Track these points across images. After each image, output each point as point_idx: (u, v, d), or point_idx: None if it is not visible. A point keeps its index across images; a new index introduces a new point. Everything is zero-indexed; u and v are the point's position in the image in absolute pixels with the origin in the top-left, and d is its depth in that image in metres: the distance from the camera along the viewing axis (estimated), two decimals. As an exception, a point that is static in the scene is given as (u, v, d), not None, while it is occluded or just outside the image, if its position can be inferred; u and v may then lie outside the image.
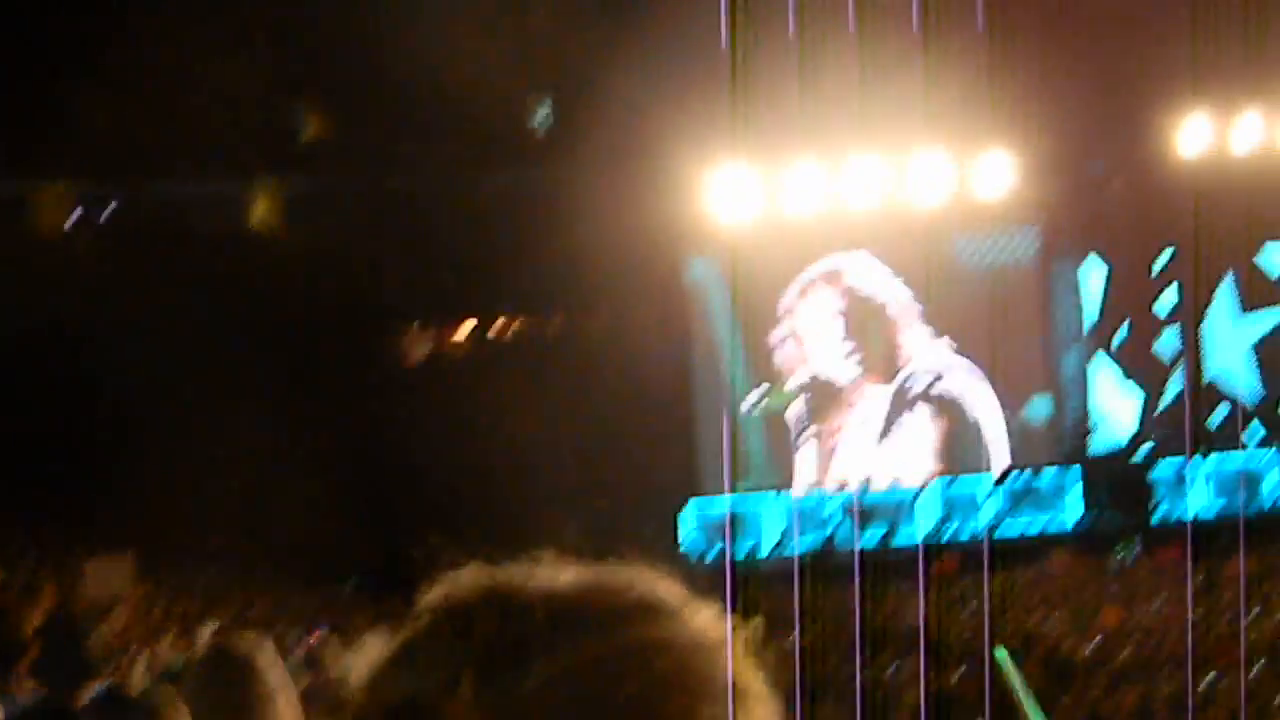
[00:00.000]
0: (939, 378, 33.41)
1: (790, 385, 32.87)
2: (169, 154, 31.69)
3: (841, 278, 33.34)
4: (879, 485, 32.96)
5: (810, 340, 33.15)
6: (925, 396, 33.39)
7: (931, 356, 33.41)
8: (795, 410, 32.92)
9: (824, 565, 29.40)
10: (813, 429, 32.97)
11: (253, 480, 27.59)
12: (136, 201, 33.15)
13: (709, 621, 1.73)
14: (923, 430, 33.41)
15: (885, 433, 33.25)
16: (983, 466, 33.47)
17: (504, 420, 30.28)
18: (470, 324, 35.52)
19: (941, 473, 33.30)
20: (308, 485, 26.87)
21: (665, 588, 1.74)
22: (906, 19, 28.00)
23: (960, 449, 33.55)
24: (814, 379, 32.95)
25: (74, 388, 29.51)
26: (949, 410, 33.55)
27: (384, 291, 32.18)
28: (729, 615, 1.76)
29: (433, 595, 1.73)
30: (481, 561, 1.76)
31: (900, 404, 33.24)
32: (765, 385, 32.80)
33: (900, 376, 33.31)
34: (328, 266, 31.04)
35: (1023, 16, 29.10)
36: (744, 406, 32.62)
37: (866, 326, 33.38)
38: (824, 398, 33.00)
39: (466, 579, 1.73)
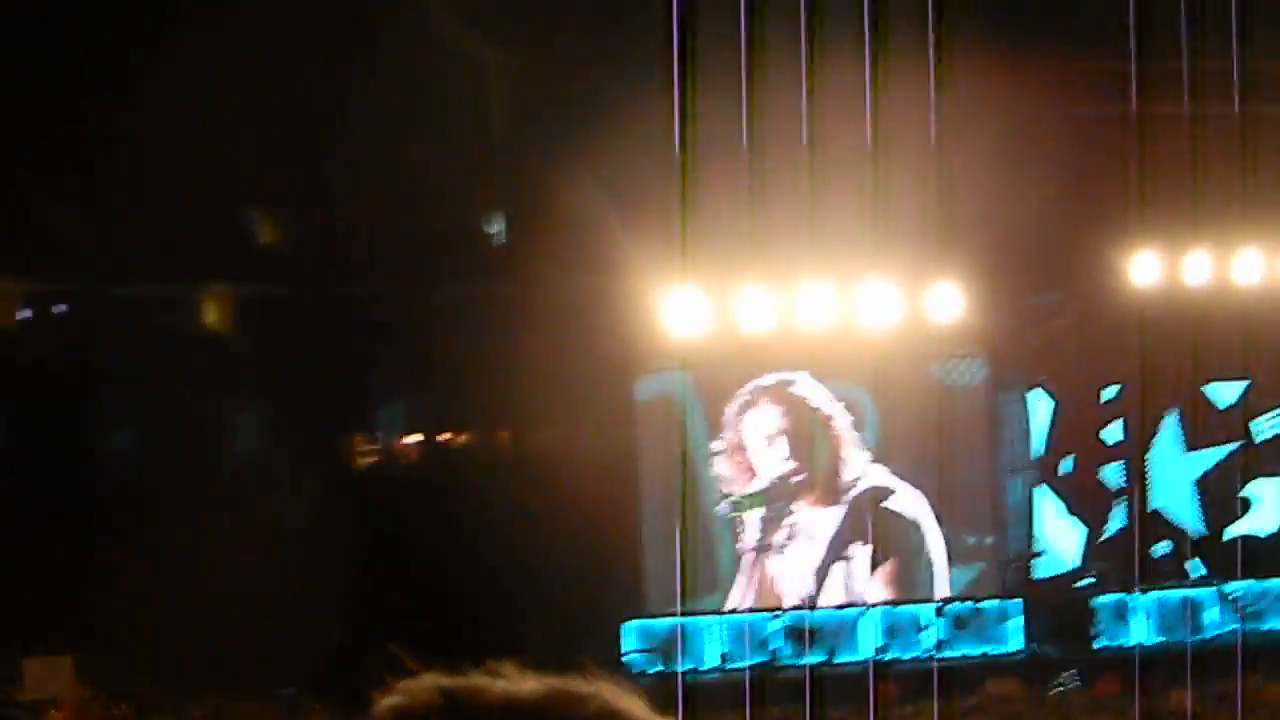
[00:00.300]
0: (886, 498, 33.38)
1: (753, 488, 32.80)
2: (119, 257, 31.61)
3: (787, 393, 33.33)
4: (820, 606, 32.87)
5: (754, 454, 33.10)
6: (871, 518, 33.32)
7: (877, 478, 33.41)
8: (746, 523, 32.81)
9: (766, 686, 29.32)
10: (755, 545, 32.85)
11: (196, 585, 27.39)
12: (84, 303, 33.03)
13: None
14: (867, 551, 33.34)
15: (829, 552, 33.17)
16: (926, 591, 33.44)
17: (448, 534, 30.15)
18: (419, 435, 35.43)
19: (885, 596, 33.24)
20: (251, 591, 26.69)
21: (627, 701, 1.73)
22: (857, 146, 28.18)
23: (905, 573, 33.52)
24: (759, 493, 32.88)
25: (15, 486, 29.30)
26: (894, 533, 33.52)
27: (335, 399, 32.09)
28: None
29: (387, 704, 1.71)
30: (438, 671, 1.74)
31: (844, 524, 33.16)
32: (732, 494, 32.72)
33: (846, 496, 33.24)
34: (276, 373, 30.97)
35: (974, 144, 29.32)
36: (720, 508, 32.53)
37: (811, 443, 33.36)
38: (767, 513, 32.90)
39: (421, 688, 1.71)
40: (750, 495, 32.73)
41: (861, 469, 33.50)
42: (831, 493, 33.33)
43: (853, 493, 33.34)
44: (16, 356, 32.05)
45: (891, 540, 33.48)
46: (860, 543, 33.29)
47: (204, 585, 27.30)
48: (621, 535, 32.16)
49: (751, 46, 26.28)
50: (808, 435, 33.37)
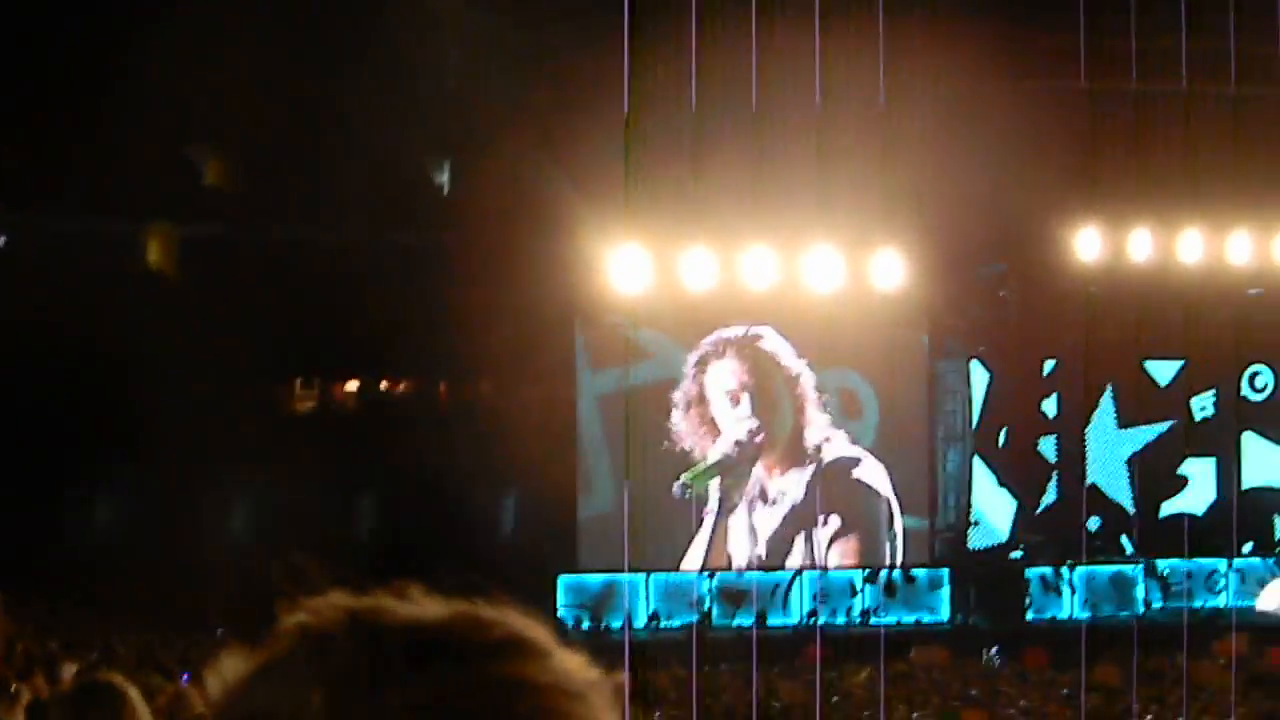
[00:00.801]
0: (854, 468, 33.30)
1: (710, 459, 32.34)
2: (62, 190, 31.47)
3: (755, 347, 33.01)
4: (758, 566, 32.92)
5: (716, 410, 32.78)
6: (838, 488, 33.24)
7: (844, 447, 33.24)
8: (708, 486, 32.50)
9: (696, 644, 29.41)
10: (714, 511, 32.60)
11: (124, 522, 27.35)
12: (27, 236, 32.89)
13: (575, 667, 1.74)
14: (835, 521, 33.24)
15: (792, 519, 33.06)
16: (881, 557, 33.52)
17: (381, 482, 30.14)
18: (357, 380, 35.40)
19: (849, 560, 33.28)
20: (180, 530, 26.66)
21: (534, 629, 1.75)
22: (808, 106, 28.21)
23: (872, 544, 33.59)
24: (713, 466, 32.44)
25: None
26: (863, 504, 33.48)
27: (273, 341, 31.96)
28: (627, 677, 1.76)
29: (292, 618, 1.73)
30: (345, 591, 1.77)
31: (810, 492, 32.98)
32: (692, 467, 32.30)
33: (810, 462, 33.05)
34: (217, 314, 30.85)
35: (921, 113, 29.39)
36: (675, 488, 32.07)
37: (777, 403, 33.15)
38: (729, 473, 32.57)
39: (326, 605, 1.74)
40: (704, 470, 32.34)
41: (825, 433, 33.43)
42: (795, 457, 33.17)
43: (819, 460, 33.20)
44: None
45: (860, 511, 33.49)
46: (827, 512, 33.13)
47: (136, 526, 27.26)
48: (552, 491, 32.17)
49: (702, 10, 26.29)
50: (773, 393, 33.10)
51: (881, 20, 27.00)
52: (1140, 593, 34.24)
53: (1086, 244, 32.93)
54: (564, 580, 32.20)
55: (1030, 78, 32.89)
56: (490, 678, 1.67)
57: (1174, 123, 30.59)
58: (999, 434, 35.14)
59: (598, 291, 31.46)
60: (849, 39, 26.99)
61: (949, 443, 34.66)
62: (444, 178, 34.99)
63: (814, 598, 32.90)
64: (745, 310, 32.30)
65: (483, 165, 32.37)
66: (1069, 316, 33.61)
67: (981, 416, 34.89)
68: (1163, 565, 34.48)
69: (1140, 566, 34.50)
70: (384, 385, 35.67)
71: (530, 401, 33.28)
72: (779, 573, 33.00)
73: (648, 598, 32.42)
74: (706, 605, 32.43)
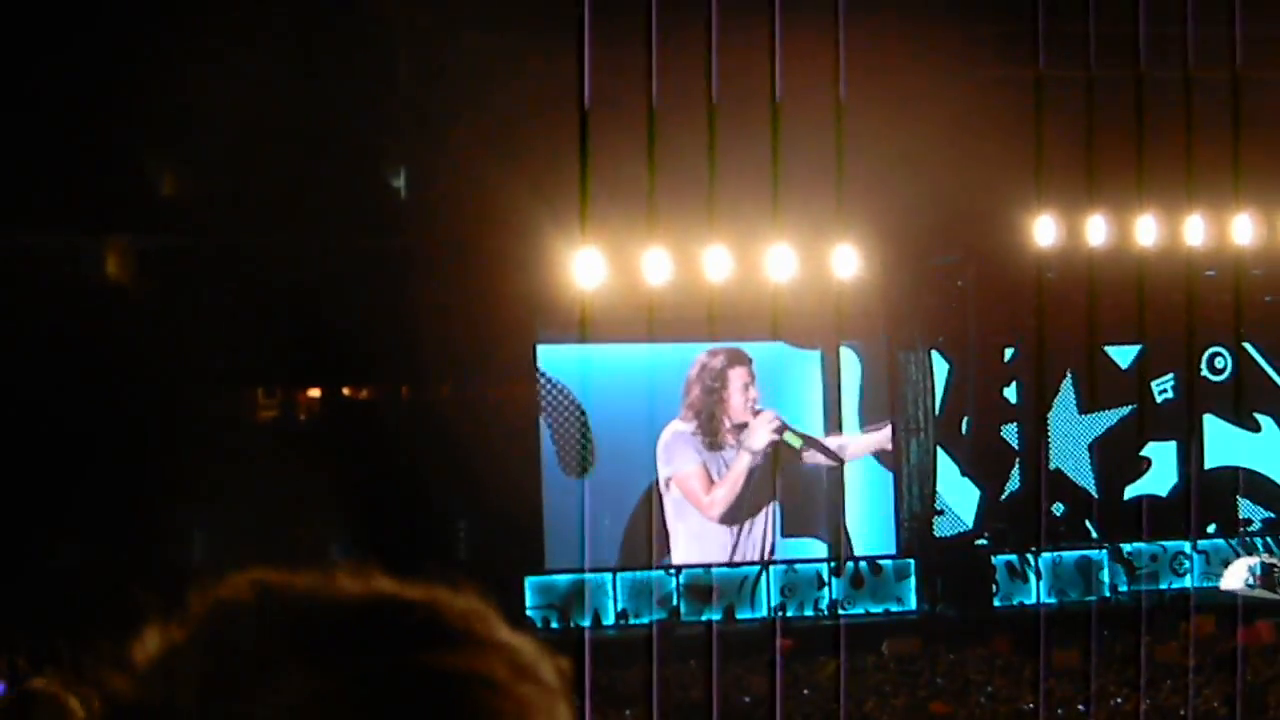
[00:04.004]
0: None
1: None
2: (15, 204, 31.30)
3: (741, 358, 33.45)
4: (724, 560, 33.01)
5: (734, 409, 33.21)
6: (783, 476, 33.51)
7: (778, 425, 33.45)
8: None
9: (664, 640, 29.40)
10: (684, 501, 33.09)
11: (86, 532, 27.24)
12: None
13: (510, 659, 1.57)
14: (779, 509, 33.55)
15: (746, 507, 33.31)
16: (832, 545, 33.69)
17: (344, 487, 30.05)
18: (318, 389, 35.26)
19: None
20: (138, 537, 26.57)
21: (467, 611, 1.58)
22: (764, 102, 28.20)
23: (815, 526, 33.79)
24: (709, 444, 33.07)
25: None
26: (809, 493, 33.75)
27: (232, 353, 31.84)
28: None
29: (203, 596, 1.59)
30: (265, 568, 1.64)
31: (761, 480, 33.25)
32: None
33: (753, 444, 33.26)
34: (176, 323, 30.73)
35: (876, 107, 29.40)
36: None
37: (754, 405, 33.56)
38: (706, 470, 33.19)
39: (241, 579, 1.59)
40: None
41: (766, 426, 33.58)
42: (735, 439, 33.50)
43: (756, 440, 33.37)
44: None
45: (807, 498, 33.80)
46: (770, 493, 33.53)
47: (96, 535, 27.17)
48: (516, 491, 32.08)
49: (660, 6, 26.23)
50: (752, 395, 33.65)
51: (840, 13, 26.99)
52: (1106, 576, 34.31)
53: (1042, 231, 32.97)
54: (531, 581, 32.17)
55: (983, 66, 32.95)
56: (397, 667, 1.51)
57: (1127, 108, 30.63)
58: (961, 423, 35.16)
59: (558, 291, 31.39)
60: (806, 33, 26.95)
61: (911, 433, 34.65)
62: (401, 182, 34.92)
63: (781, 591, 32.95)
64: (704, 307, 32.26)
65: (440, 168, 32.32)
66: (1027, 304, 33.62)
67: (943, 406, 34.89)
68: (1127, 548, 34.54)
69: (1105, 551, 34.56)
70: (346, 390, 35.53)
71: (492, 402, 33.21)
72: (746, 567, 33.05)
73: (615, 596, 32.43)
74: (675, 601, 32.45)
